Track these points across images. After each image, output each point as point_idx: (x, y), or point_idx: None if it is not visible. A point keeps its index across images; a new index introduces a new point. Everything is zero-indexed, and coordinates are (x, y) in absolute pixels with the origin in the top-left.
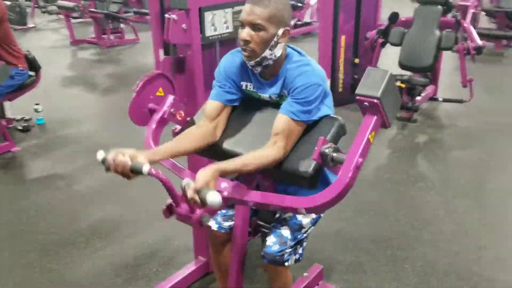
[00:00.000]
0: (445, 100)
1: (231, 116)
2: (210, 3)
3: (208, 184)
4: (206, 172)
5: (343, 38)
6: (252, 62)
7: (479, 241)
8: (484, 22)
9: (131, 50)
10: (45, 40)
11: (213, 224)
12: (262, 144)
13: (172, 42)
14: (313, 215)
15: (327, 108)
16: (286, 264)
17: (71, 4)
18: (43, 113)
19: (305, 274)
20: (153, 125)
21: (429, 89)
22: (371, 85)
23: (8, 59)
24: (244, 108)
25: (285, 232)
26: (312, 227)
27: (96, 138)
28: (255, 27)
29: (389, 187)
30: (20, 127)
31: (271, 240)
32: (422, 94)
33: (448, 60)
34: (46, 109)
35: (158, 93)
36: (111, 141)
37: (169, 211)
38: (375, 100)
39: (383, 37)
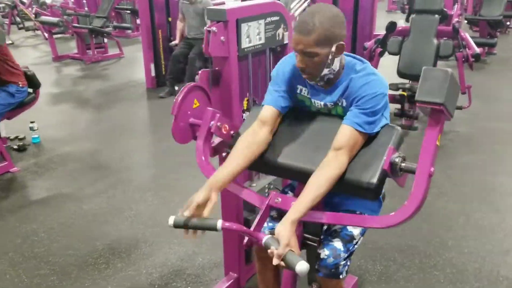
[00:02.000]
0: None
1: (282, 125)
2: (246, 14)
3: (289, 243)
4: (286, 229)
5: None
6: (313, 82)
7: (502, 244)
8: (466, 30)
9: (116, 65)
10: (25, 57)
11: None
12: (318, 156)
13: (212, 55)
14: None
15: (385, 119)
16: (341, 276)
17: (54, 19)
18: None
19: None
20: (201, 141)
21: None
22: (432, 89)
23: (8, 76)
24: (295, 117)
25: (338, 244)
26: (362, 238)
27: (96, 155)
28: (305, 54)
29: (405, 195)
30: (15, 146)
31: (325, 253)
32: None
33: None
34: (39, 127)
35: (194, 105)
36: (111, 158)
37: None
38: (440, 107)
39: (381, 46)
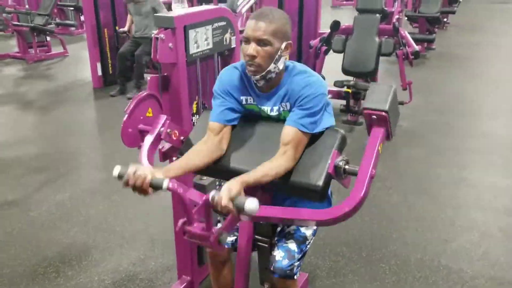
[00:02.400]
0: None
1: (234, 133)
2: (193, 21)
3: (240, 193)
4: (235, 183)
5: None
6: (258, 77)
7: (442, 234)
8: (406, 26)
9: (61, 64)
10: None
11: None
12: (266, 158)
13: (161, 62)
14: (314, 226)
15: (329, 115)
16: (295, 277)
17: None
18: None
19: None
20: (147, 146)
21: None
22: (378, 99)
23: None
24: (246, 124)
25: (292, 245)
26: (313, 238)
27: (42, 159)
28: (260, 42)
29: (349, 189)
30: None
31: (279, 254)
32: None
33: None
34: None
35: (147, 114)
36: (59, 162)
37: (183, 230)
38: (384, 113)
39: (326, 44)
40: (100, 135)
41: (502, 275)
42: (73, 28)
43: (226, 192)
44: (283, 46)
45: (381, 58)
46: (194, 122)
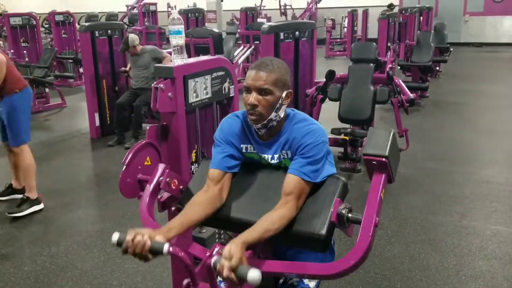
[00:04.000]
0: None
1: (234, 182)
2: (193, 71)
3: (241, 259)
4: (236, 247)
5: None
6: (259, 125)
7: (447, 284)
8: (400, 75)
9: (59, 115)
10: None
11: None
12: (268, 208)
13: (160, 111)
14: None
15: (330, 164)
16: None
17: None
18: None
19: None
20: (147, 197)
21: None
22: (377, 145)
23: None
24: (246, 173)
25: None
26: None
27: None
28: (262, 91)
29: (350, 238)
30: None
31: None
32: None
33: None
34: None
35: (146, 163)
36: (54, 213)
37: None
38: (384, 159)
39: (322, 93)
40: (97, 186)
41: None
42: (71, 80)
43: (227, 262)
44: (283, 94)
45: (376, 106)
46: (193, 171)
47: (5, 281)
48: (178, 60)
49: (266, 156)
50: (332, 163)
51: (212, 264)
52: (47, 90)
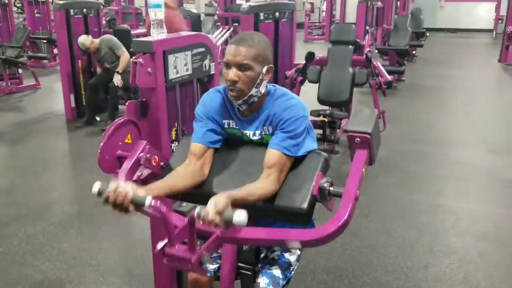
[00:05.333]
0: None
1: (216, 157)
2: (173, 46)
3: (227, 205)
4: (222, 197)
5: None
6: (240, 101)
7: (422, 260)
8: (377, 58)
9: (32, 96)
10: None
11: None
12: (249, 182)
13: (139, 87)
14: (298, 252)
15: (311, 139)
16: None
17: None
18: None
19: None
20: (125, 172)
21: (345, 122)
22: (361, 122)
23: None
24: (228, 149)
25: (276, 272)
26: (297, 264)
27: (12, 192)
28: (241, 67)
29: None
30: None
31: (264, 281)
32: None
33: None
34: None
35: (126, 140)
36: (29, 195)
37: (163, 253)
38: (367, 136)
39: (301, 75)
40: (73, 167)
41: None
42: (45, 61)
43: (213, 206)
44: (264, 70)
45: (354, 89)
46: (173, 149)
47: None
48: (157, 35)
49: (247, 132)
50: (313, 138)
51: (195, 213)
52: (20, 71)
